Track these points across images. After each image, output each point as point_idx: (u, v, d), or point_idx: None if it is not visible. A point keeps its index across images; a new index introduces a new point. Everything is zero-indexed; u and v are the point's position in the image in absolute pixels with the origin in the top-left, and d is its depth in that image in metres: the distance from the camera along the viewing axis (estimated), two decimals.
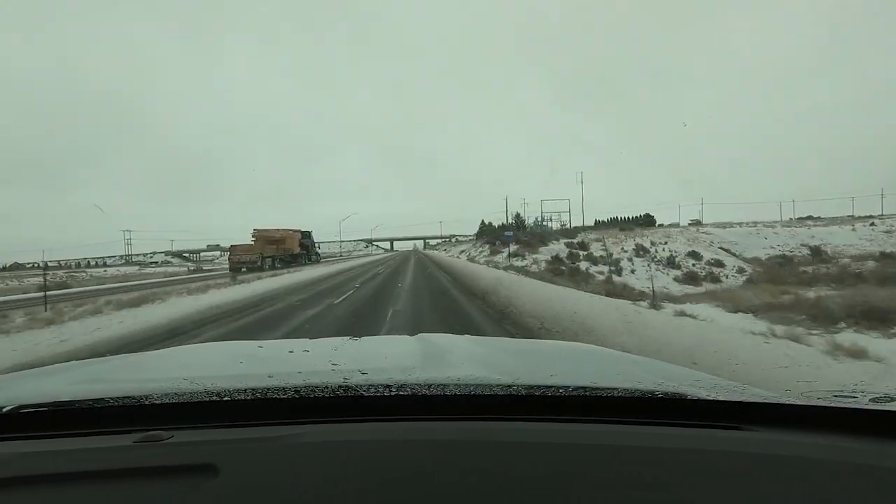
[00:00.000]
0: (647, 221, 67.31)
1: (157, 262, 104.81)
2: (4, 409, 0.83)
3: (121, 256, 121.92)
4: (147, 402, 0.84)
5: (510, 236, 29.59)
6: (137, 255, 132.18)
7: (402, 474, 0.65)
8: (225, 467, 0.66)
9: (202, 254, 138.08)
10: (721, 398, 0.85)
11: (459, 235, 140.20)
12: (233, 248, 35.45)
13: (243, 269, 30.78)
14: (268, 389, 0.84)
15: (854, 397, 0.90)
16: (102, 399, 0.86)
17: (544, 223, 64.37)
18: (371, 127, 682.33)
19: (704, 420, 0.80)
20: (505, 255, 31.69)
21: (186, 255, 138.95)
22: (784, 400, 0.86)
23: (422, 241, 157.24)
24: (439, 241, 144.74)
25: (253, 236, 36.65)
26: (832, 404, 0.82)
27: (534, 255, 29.27)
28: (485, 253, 38.65)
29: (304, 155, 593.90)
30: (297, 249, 39.87)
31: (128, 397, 0.86)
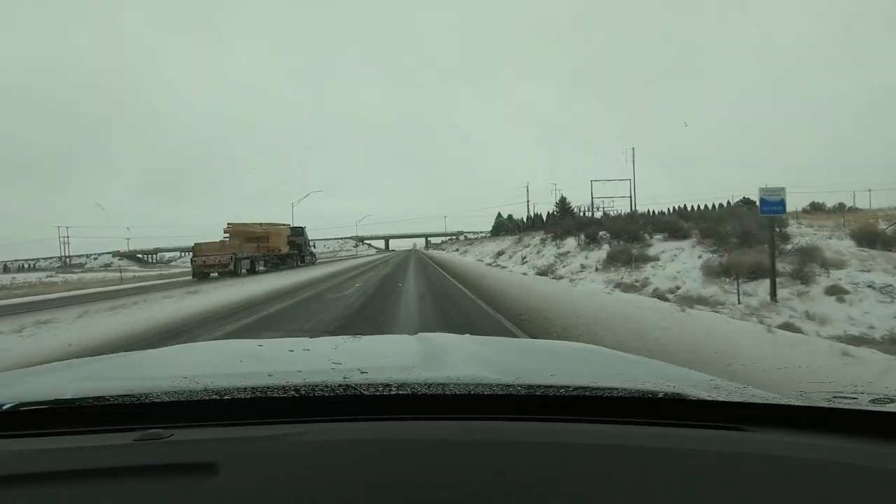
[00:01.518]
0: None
1: (79, 266, 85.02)
2: (4, 407, 0.83)
3: (59, 258, 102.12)
4: (147, 401, 0.84)
5: (778, 205, 7.93)
6: (80, 255, 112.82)
7: (403, 473, 0.66)
8: (225, 466, 0.66)
9: (159, 254, 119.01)
10: (721, 399, 0.85)
11: (468, 232, 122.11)
12: (197, 248, 25.58)
13: (213, 274, 24.02)
14: (268, 388, 0.84)
15: (854, 398, 0.89)
16: (103, 397, 0.86)
17: (587, 211, 46.14)
18: (369, 119, 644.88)
19: (705, 420, 0.80)
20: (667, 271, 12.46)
21: (141, 255, 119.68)
22: (784, 401, 0.86)
23: (423, 239, 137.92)
24: (445, 238, 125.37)
25: (226, 232, 27.68)
26: (832, 405, 0.82)
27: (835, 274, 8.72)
28: (572, 258, 18.47)
29: (298, 149, 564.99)
30: (286, 248, 31.66)
31: (128, 395, 0.86)
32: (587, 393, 0.85)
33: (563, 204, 57.66)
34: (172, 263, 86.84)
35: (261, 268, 27.18)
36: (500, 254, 33.15)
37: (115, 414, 0.83)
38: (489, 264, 26.43)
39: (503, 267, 23.10)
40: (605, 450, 0.70)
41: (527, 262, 23.31)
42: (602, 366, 1.35)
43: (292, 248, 32.42)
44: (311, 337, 1.76)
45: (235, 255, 24.55)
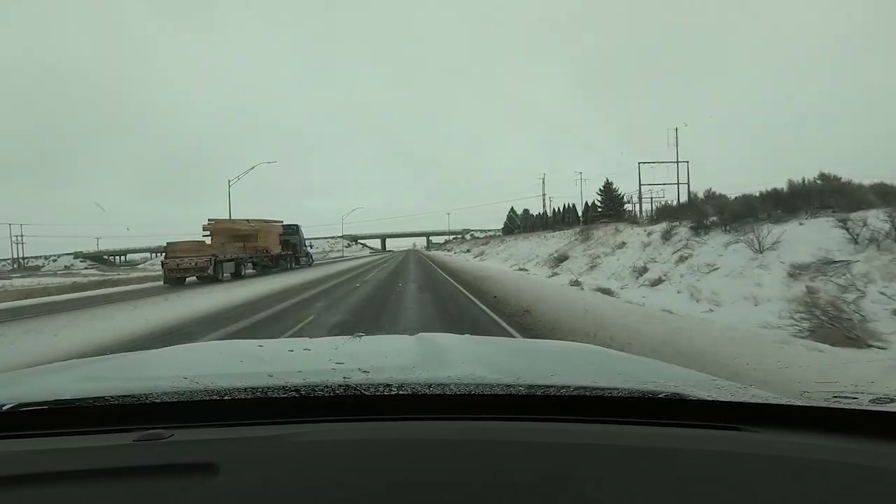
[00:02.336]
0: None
1: (35, 269, 73.91)
2: (5, 408, 0.83)
3: (14, 259, 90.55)
4: (147, 401, 0.84)
5: None
6: (38, 256, 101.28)
7: (403, 474, 0.65)
8: (225, 466, 0.66)
9: (129, 255, 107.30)
10: (722, 399, 0.85)
11: (475, 230, 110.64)
12: (170, 248, 20.84)
13: (190, 278, 19.97)
14: (268, 388, 0.84)
15: (854, 398, 0.89)
16: (103, 397, 0.85)
17: (631, 200, 37.58)
18: (370, 118, 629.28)
19: (705, 420, 0.79)
20: None
21: (108, 256, 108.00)
22: (784, 401, 0.86)
23: (424, 238, 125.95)
24: (449, 237, 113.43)
25: (206, 230, 22.98)
26: (832, 405, 0.82)
27: None
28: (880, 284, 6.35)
29: (298, 149, 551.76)
30: (278, 248, 27.19)
31: (128, 396, 0.86)
32: (588, 393, 0.85)
33: (608, 191, 46.13)
34: (140, 266, 75.84)
35: (249, 270, 23.78)
36: (560, 259, 21.62)
37: (116, 414, 0.83)
38: (561, 278, 15.33)
39: (607, 293, 11.59)
40: (606, 450, 0.70)
41: (662, 279, 12.01)
42: (603, 366, 1.34)
43: (286, 248, 28.61)
44: (311, 337, 1.75)
45: (216, 256, 20.39)
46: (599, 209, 45.86)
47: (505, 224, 75.61)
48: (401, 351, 1.52)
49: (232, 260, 21.86)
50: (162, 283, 20.35)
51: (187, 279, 20.08)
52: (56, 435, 0.78)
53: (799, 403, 0.82)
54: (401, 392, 0.84)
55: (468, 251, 47.29)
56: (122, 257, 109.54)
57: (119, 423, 0.80)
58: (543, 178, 62.77)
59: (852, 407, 0.80)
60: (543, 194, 63.15)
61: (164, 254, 21.51)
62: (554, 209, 62.87)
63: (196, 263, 19.76)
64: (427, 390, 0.84)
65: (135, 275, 32.71)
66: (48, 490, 0.64)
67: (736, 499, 0.60)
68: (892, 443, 0.70)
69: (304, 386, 0.85)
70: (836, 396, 0.90)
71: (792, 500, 0.61)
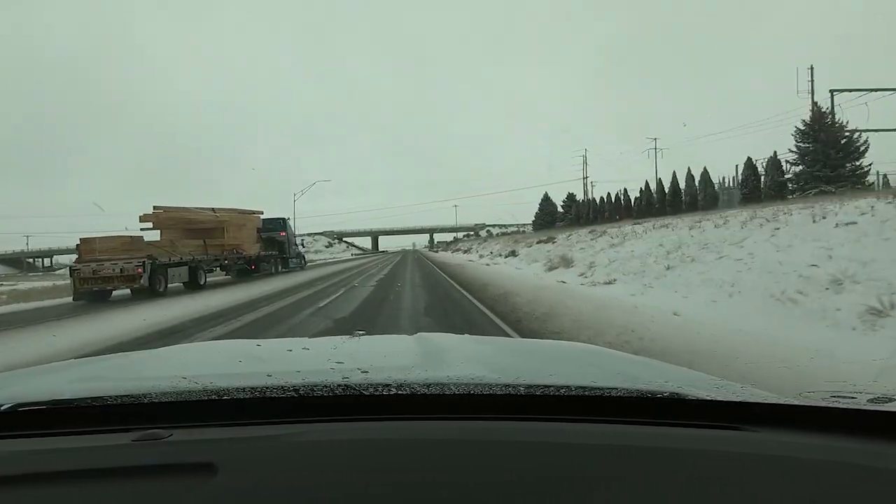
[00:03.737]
0: None
1: None
2: (3, 408, 0.83)
3: None
4: (146, 401, 0.84)
5: None
6: None
7: (402, 474, 0.66)
8: (224, 466, 0.66)
9: (55, 257, 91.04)
10: (721, 398, 0.86)
11: (493, 225, 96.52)
12: (85, 247, 13.95)
13: (122, 290, 13.99)
14: (267, 388, 0.84)
15: (853, 398, 0.89)
16: (101, 397, 0.86)
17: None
18: (368, 112, 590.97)
19: (704, 420, 0.80)
20: None
21: (31, 259, 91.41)
22: (783, 400, 0.86)
23: (427, 236, 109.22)
24: (458, 234, 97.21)
25: (146, 220, 15.59)
26: (831, 405, 0.82)
27: None
28: None
29: (298, 146, 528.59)
30: (255, 248, 20.46)
31: (126, 396, 0.86)
32: (587, 393, 0.85)
33: (820, 129, 23.16)
34: (60, 272, 61.58)
35: (203, 277, 16.84)
36: None
37: (114, 414, 0.83)
38: None
39: None
40: (605, 450, 0.70)
41: None
42: (602, 366, 1.33)
43: (269, 247, 22.25)
44: (310, 337, 1.74)
45: (153, 259, 13.87)
46: (795, 166, 24.25)
47: (536, 215, 60.82)
48: (400, 351, 1.53)
49: (183, 264, 15.47)
50: (71, 299, 13.45)
51: (114, 292, 13.86)
52: (54, 435, 0.78)
53: (797, 403, 0.83)
54: (400, 392, 0.84)
55: (512, 255, 24.99)
56: (48, 259, 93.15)
57: (117, 423, 0.80)
58: (584, 156, 51.20)
59: (850, 406, 0.81)
60: (585, 177, 52.08)
61: (76, 256, 14.20)
62: (585, 194, 50.70)
63: (122, 270, 13.37)
64: (426, 390, 0.85)
65: (28, 286, 22.94)
66: (46, 490, 0.64)
67: (735, 498, 0.61)
68: (890, 442, 0.70)
69: (303, 386, 0.86)
70: (834, 396, 0.89)
71: (790, 500, 0.61)
